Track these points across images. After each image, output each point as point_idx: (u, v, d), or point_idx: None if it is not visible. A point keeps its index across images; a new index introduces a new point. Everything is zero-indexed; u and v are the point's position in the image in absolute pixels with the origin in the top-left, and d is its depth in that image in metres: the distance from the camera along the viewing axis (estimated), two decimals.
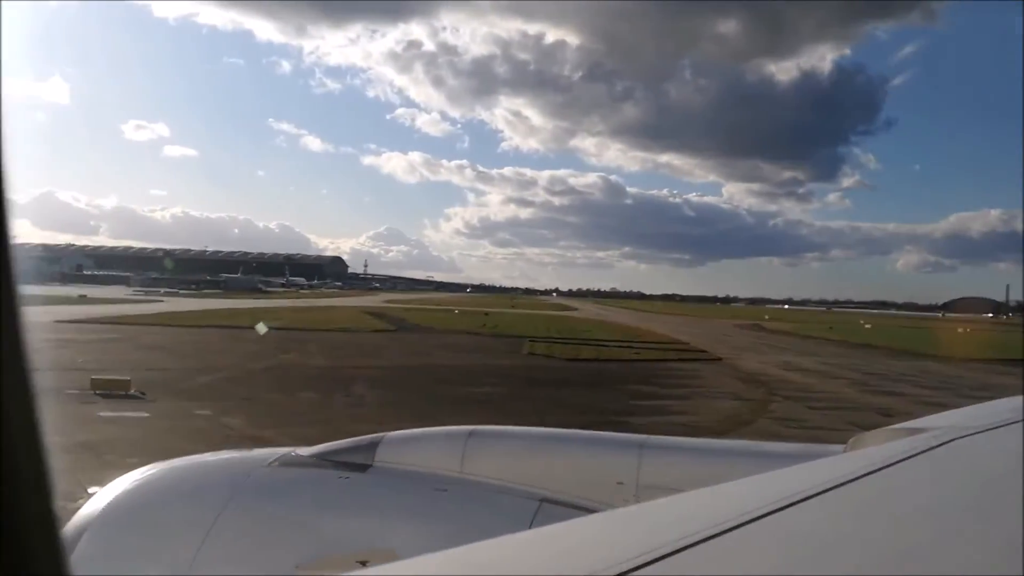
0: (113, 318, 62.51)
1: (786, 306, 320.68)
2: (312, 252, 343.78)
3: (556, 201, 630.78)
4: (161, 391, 27.85)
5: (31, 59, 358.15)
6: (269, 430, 20.94)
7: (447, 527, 3.21)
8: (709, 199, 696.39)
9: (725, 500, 1.78)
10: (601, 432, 3.89)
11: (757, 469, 2.38)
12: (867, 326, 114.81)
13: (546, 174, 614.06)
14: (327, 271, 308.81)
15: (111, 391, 26.79)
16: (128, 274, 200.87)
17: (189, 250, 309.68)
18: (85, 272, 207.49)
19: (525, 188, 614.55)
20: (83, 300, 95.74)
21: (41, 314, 64.86)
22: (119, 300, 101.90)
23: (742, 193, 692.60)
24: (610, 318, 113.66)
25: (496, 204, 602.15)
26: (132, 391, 27.12)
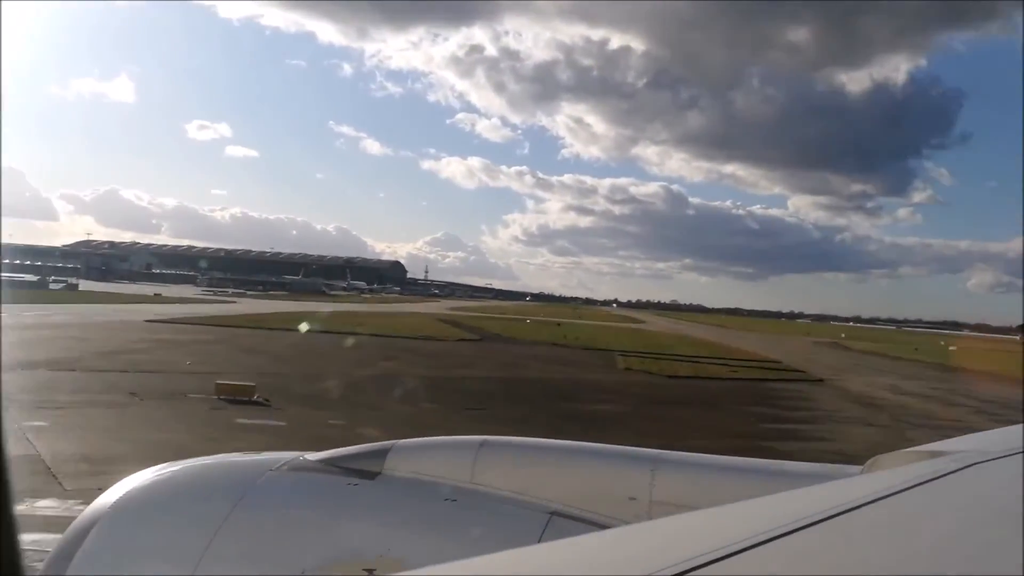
0: (201, 319, 62.67)
1: (854, 324, 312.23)
2: (369, 256, 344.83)
3: (616, 210, 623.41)
4: (283, 398, 27.15)
5: (97, 59, 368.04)
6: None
7: (456, 538, 3.16)
8: (774, 212, 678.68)
9: (740, 519, 1.73)
10: (614, 446, 3.79)
11: (773, 488, 2.32)
12: (951, 348, 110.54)
13: (607, 182, 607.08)
14: (386, 276, 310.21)
15: (235, 396, 26.16)
16: (194, 273, 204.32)
17: (250, 251, 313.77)
18: (154, 271, 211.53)
19: (585, 196, 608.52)
20: (159, 299, 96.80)
21: (127, 312, 65.52)
22: (193, 300, 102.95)
23: (808, 206, 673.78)
24: (686, 332, 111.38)
25: (555, 212, 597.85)
26: (256, 397, 26.49)
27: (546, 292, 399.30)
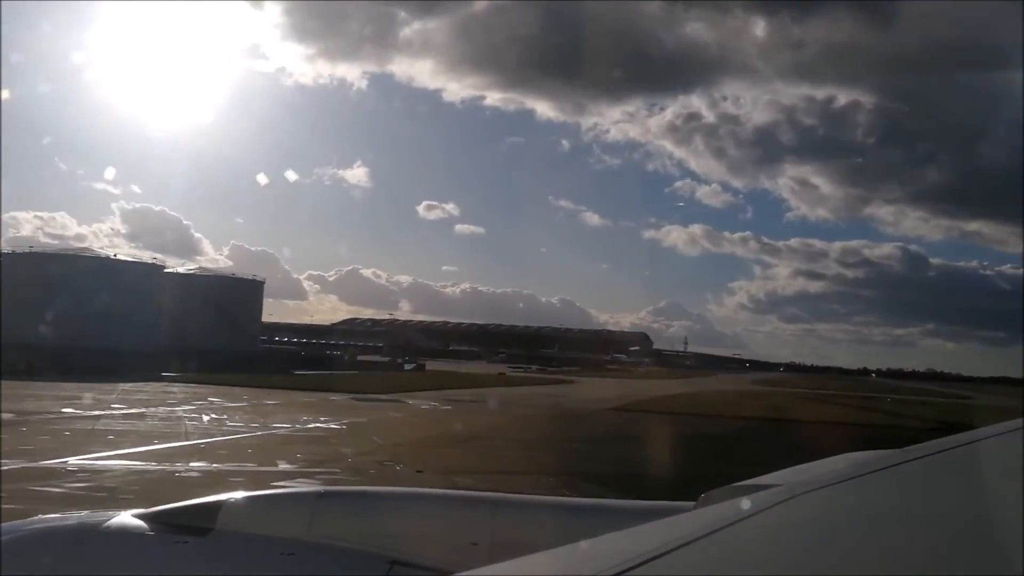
0: (659, 400, 58.17)
1: None
2: (590, 327, 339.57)
3: (849, 274, 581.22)
4: None
5: (337, 148, 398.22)
6: None
7: None
8: None
9: (579, 559, 1.81)
10: (456, 491, 3.84)
11: (612, 526, 2.37)
12: None
13: (837, 245, 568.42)
14: (633, 347, 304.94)
15: None
16: (477, 349, 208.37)
17: (500, 324, 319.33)
18: (450, 348, 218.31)
19: (814, 260, 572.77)
20: (509, 380, 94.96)
21: (565, 398, 62.53)
22: (540, 380, 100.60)
23: None
24: None
25: (783, 277, 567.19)
26: None
27: (797, 362, 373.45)
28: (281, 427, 32.29)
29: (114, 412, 34.72)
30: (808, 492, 2.42)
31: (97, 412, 34.47)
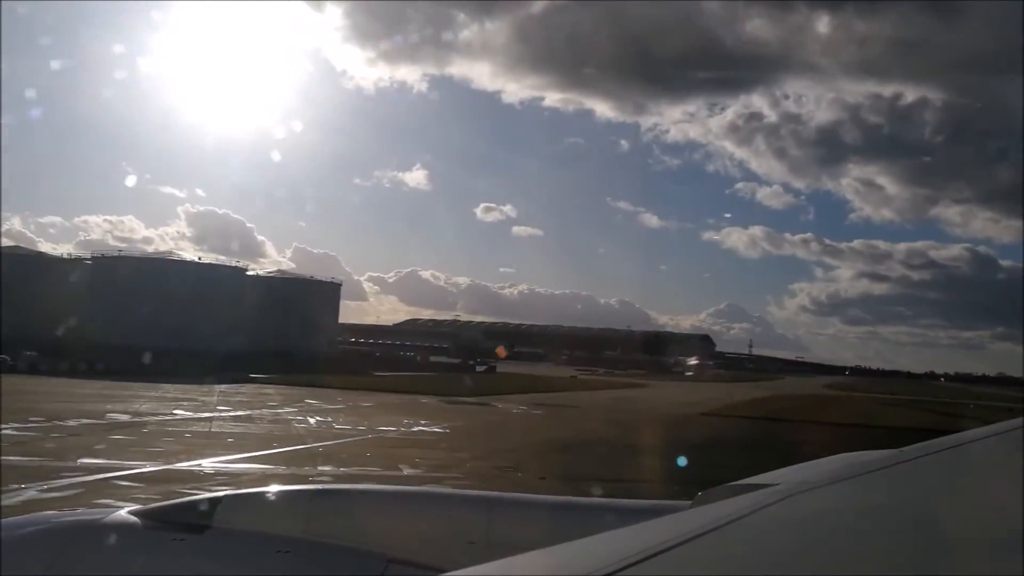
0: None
1: None
2: (650, 329, 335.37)
3: (915, 276, 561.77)
4: None
5: (396, 151, 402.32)
6: None
7: None
8: None
9: (575, 558, 1.80)
10: (450, 490, 4.11)
11: (607, 525, 2.41)
12: None
13: (902, 247, 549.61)
14: (696, 349, 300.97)
15: None
16: (543, 351, 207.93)
17: (561, 326, 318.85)
18: (515, 350, 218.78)
19: (878, 262, 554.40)
20: (578, 383, 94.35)
21: (638, 400, 61.75)
22: (610, 383, 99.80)
23: None
24: None
25: (846, 279, 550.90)
26: None
27: (861, 365, 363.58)
28: (387, 431, 32.40)
29: (223, 414, 35.30)
30: (804, 492, 2.41)
31: (207, 414, 35.09)
